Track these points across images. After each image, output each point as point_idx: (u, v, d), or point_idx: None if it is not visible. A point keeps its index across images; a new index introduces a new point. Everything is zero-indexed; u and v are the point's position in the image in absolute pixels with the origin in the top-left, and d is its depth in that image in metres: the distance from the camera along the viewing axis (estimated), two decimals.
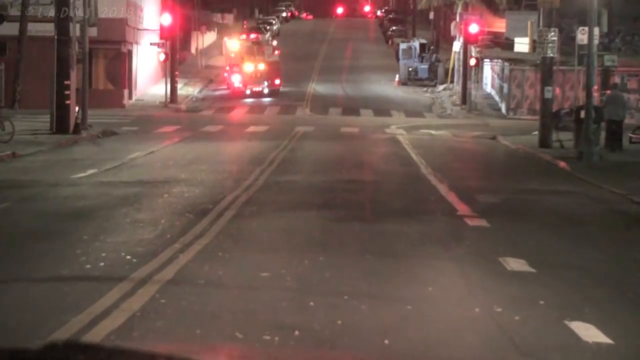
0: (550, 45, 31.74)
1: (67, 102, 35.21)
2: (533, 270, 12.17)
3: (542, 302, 10.26)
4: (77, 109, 36.70)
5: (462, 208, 17.72)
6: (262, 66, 57.83)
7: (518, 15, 65.52)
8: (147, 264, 11.45)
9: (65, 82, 35.11)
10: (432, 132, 39.97)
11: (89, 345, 2.70)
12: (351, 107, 52.65)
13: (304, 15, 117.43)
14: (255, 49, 58.44)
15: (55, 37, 35.52)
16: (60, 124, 34.98)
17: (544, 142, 31.88)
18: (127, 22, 53.94)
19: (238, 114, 51.09)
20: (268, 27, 79.68)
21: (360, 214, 16.58)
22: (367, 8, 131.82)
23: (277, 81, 58.52)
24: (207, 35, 78.56)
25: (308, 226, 15.05)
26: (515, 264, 12.43)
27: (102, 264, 11.57)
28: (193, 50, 72.20)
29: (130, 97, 55.08)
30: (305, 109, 53.25)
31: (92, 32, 52.79)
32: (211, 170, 23.38)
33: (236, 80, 58.04)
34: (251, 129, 39.22)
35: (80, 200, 17.88)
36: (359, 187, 20.89)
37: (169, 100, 54.26)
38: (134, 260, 11.80)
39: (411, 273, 11.60)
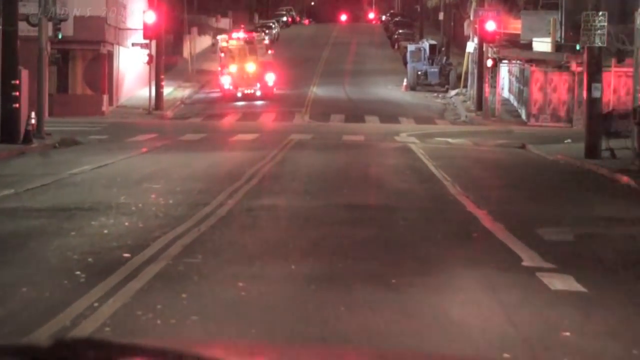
0: (598, 32, 25.05)
1: (15, 105, 28.57)
2: None
3: None
4: (32, 114, 30.19)
5: (525, 254, 11.05)
6: (254, 67, 51.84)
7: (534, 15, 58.77)
8: None
9: (13, 82, 28.43)
10: (449, 140, 33.26)
11: (98, 342, 2.63)
12: (355, 114, 45.87)
13: (305, 21, 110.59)
14: (247, 49, 52.16)
15: (0, 27, 28.86)
16: (8, 132, 28.37)
17: (592, 152, 25.18)
18: (106, 21, 47.36)
19: (229, 121, 44.47)
20: (267, 31, 73.03)
21: (366, 268, 9.88)
22: (371, 15, 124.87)
23: (271, 83, 52.39)
24: (202, 39, 72.08)
25: (277, 299, 8.37)
26: None
27: None
28: (186, 55, 65.61)
29: (111, 103, 48.40)
30: (304, 115, 46.53)
31: (68, 31, 46.30)
32: (165, 191, 16.78)
33: (226, 81, 51.99)
34: (238, 137, 32.61)
35: None
36: (365, 216, 14.15)
37: (153, 106, 47.63)
38: None
39: None
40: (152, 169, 21.39)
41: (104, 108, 46.69)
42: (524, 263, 10.51)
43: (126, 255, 10.21)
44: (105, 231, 12.14)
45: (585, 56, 26.45)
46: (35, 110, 31.30)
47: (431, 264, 10.29)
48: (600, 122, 25.40)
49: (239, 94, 51.64)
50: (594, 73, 25.51)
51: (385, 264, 10.23)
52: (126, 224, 12.84)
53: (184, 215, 13.58)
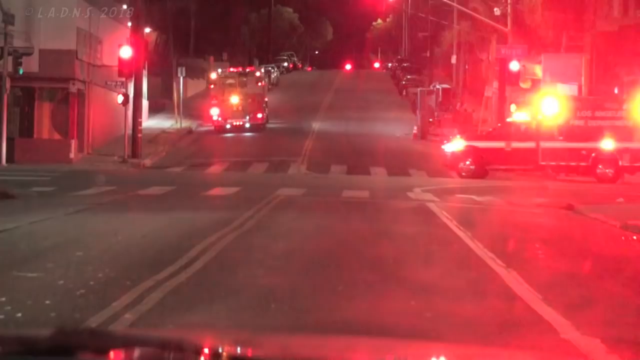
0: None
1: None
2: None
3: None
4: None
5: None
6: (243, 98, 49.74)
7: (557, 59, 51.76)
8: None
9: None
10: (475, 197, 25.96)
11: (98, 332, 2.57)
12: (359, 165, 38.67)
13: (308, 68, 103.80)
14: (237, 81, 49.88)
15: None
16: None
17: None
18: (77, 55, 40.40)
19: (213, 171, 37.40)
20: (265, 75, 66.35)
21: None
22: (376, 65, 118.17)
23: (260, 115, 50.28)
24: (196, 82, 65.47)
25: None
26: None
27: None
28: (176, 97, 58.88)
29: (81, 148, 41.31)
30: (301, 165, 39.38)
31: (32, 66, 39.49)
32: (36, 286, 9.60)
33: (215, 113, 49.96)
34: (214, 190, 25.40)
35: None
36: None
37: (129, 153, 40.50)
38: None
39: None
40: (59, 239, 14.16)
41: (72, 155, 39.55)
42: None
43: None
44: None
45: None
46: None
47: None
48: None
49: (228, 126, 50.06)
50: None
51: None
52: None
53: None
